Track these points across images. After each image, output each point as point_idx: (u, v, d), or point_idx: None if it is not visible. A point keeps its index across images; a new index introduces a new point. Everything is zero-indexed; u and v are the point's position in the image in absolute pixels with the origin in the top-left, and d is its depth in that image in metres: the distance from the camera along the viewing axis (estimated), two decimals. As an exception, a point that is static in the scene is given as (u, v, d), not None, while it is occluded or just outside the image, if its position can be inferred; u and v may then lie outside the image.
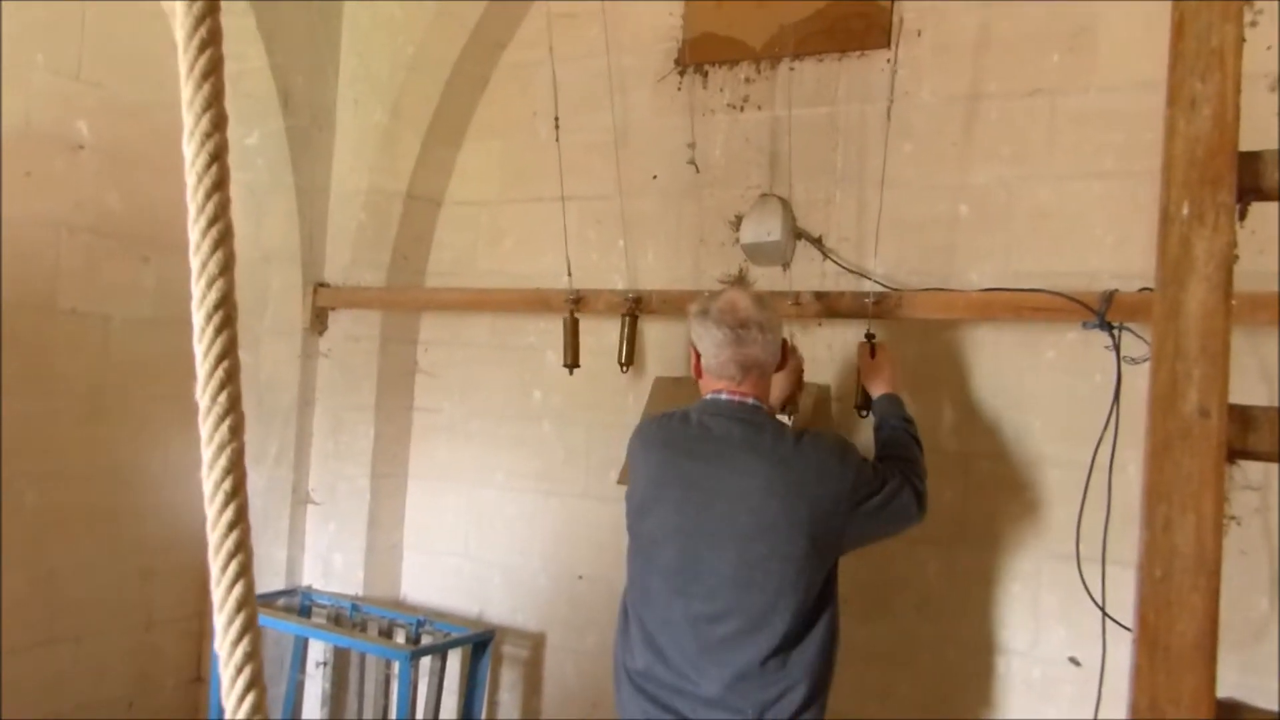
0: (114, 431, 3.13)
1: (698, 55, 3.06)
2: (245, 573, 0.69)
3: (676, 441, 2.17)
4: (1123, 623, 2.34)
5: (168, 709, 3.34)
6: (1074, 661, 2.51)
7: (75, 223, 3.04)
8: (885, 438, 2.33)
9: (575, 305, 3.00)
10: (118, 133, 3.13)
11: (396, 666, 3.07)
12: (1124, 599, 2.35)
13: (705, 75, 3.05)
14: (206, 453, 0.69)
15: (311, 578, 3.52)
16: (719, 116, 3.02)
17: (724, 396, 2.16)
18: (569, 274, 3.05)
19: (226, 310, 0.69)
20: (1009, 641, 2.59)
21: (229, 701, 0.69)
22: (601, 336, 3.07)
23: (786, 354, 2.27)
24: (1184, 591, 0.93)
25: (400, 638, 3.27)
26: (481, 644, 3.18)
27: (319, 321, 3.51)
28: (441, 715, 3.20)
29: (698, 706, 2.06)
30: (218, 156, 0.69)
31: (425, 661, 3.15)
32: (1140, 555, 0.96)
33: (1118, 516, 2.37)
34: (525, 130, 3.36)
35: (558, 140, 3.02)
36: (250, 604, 0.70)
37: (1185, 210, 0.96)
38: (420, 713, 3.16)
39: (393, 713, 3.12)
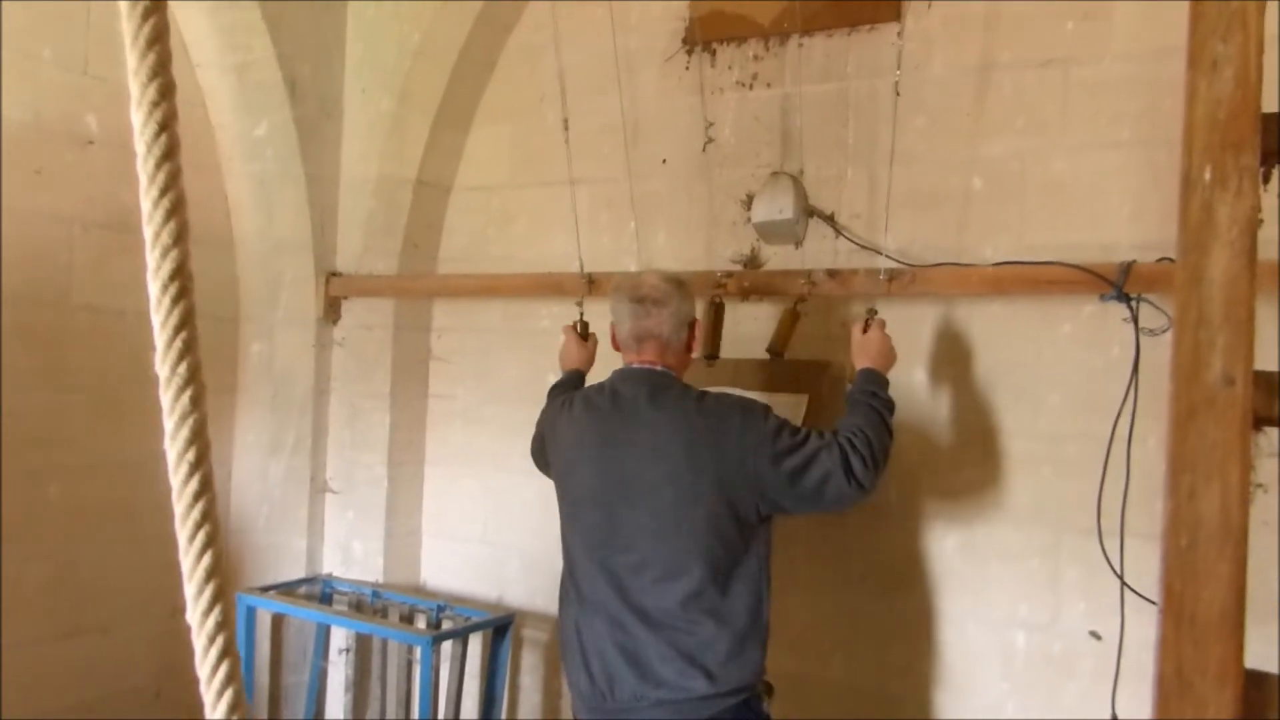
0: (132, 425, 3.15)
1: (706, 33, 3.03)
2: (213, 543, 0.69)
3: (593, 407, 2.33)
4: (1144, 595, 2.33)
5: (194, 698, 3.35)
6: (1095, 635, 2.50)
7: (87, 218, 3.04)
8: (847, 409, 2.30)
9: (588, 289, 2.99)
10: (127, 127, 3.09)
11: (418, 652, 3.09)
12: (1144, 572, 2.34)
13: (713, 54, 3.03)
14: (168, 423, 0.68)
15: (331, 565, 3.54)
16: (728, 95, 3.00)
17: (635, 365, 2.32)
18: (580, 257, 3.04)
19: (182, 281, 0.69)
20: (1029, 616, 2.59)
21: (203, 671, 0.69)
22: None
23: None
24: (1210, 561, 0.92)
25: (421, 623, 3.28)
26: (502, 628, 3.19)
27: (332, 311, 3.51)
28: (464, 699, 3.22)
29: (632, 648, 2.17)
30: (166, 126, 0.68)
31: (447, 646, 3.17)
32: (1165, 525, 0.95)
33: (1137, 489, 2.36)
34: (534, 114, 3.35)
35: (565, 125, 3.00)
36: (219, 573, 0.69)
37: (1207, 175, 0.94)
38: (443, 697, 3.18)
39: (415, 698, 3.14)
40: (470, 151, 3.52)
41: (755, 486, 2.13)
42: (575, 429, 2.35)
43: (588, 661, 2.24)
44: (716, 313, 2.76)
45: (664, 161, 3.11)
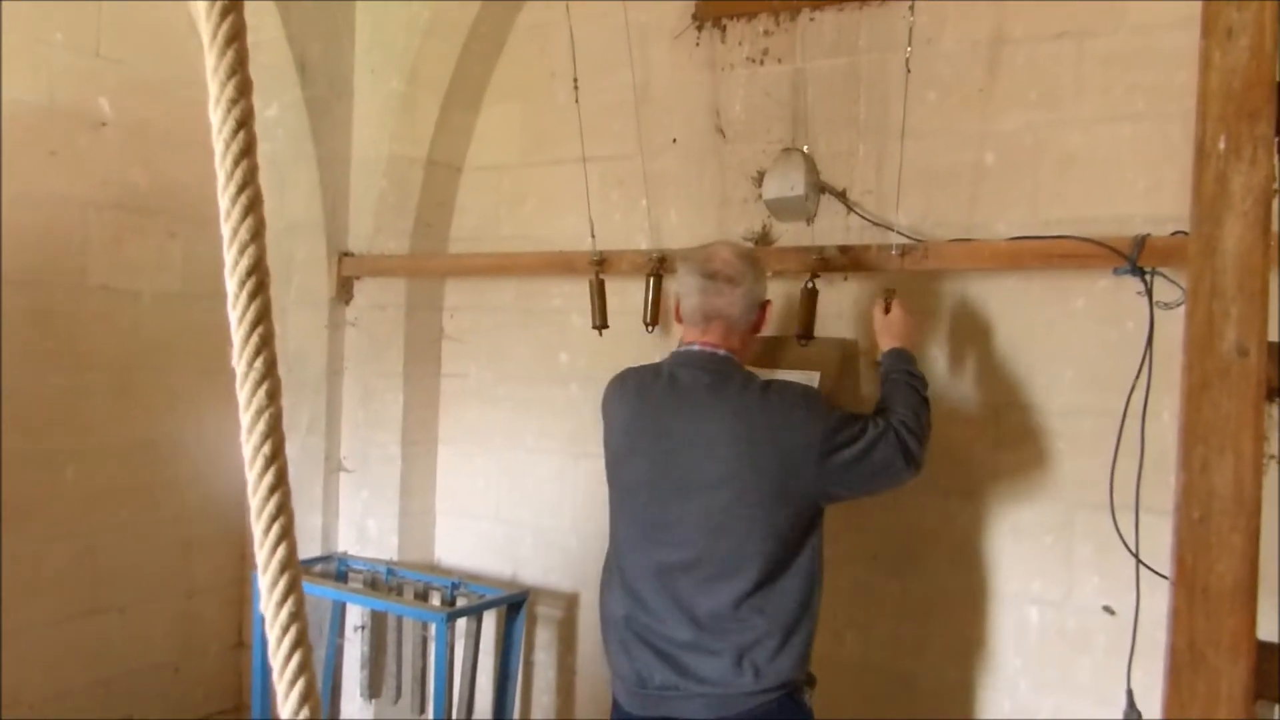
0: (148, 406, 3.17)
1: (715, 9, 3.01)
2: (287, 535, 0.70)
3: (648, 392, 2.22)
4: (1158, 570, 2.33)
5: (211, 674, 3.41)
6: (1108, 611, 2.50)
7: (101, 200, 3.06)
8: (885, 390, 2.30)
9: (600, 267, 3.00)
10: (139, 109, 3.14)
11: (433, 629, 3.11)
12: (1158, 547, 2.33)
13: (723, 29, 3.01)
14: (245, 418, 0.70)
15: (346, 544, 3.57)
16: (738, 71, 2.99)
17: (695, 348, 2.21)
18: (592, 235, 3.04)
19: (259, 276, 0.69)
20: (1042, 592, 2.59)
21: (276, 661, 0.70)
22: (626, 297, 3.07)
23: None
24: (1223, 532, 0.92)
25: (436, 600, 3.31)
26: (516, 605, 3.21)
27: (345, 291, 3.52)
28: (479, 675, 3.24)
29: (675, 650, 2.12)
30: (244, 123, 0.68)
31: (461, 623, 3.19)
32: (1177, 497, 0.95)
33: (1151, 464, 2.35)
34: (544, 92, 3.33)
35: (577, 101, 2.99)
36: (294, 566, 0.71)
37: (1222, 145, 0.94)
38: (458, 673, 3.20)
39: (430, 674, 3.17)
40: (481, 130, 3.51)
41: (816, 481, 2.08)
42: (627, 414, 2.26)
43: (629, 649, 2.18)
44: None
45: (674, 141, 3.10)
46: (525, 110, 3.42)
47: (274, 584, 0.68)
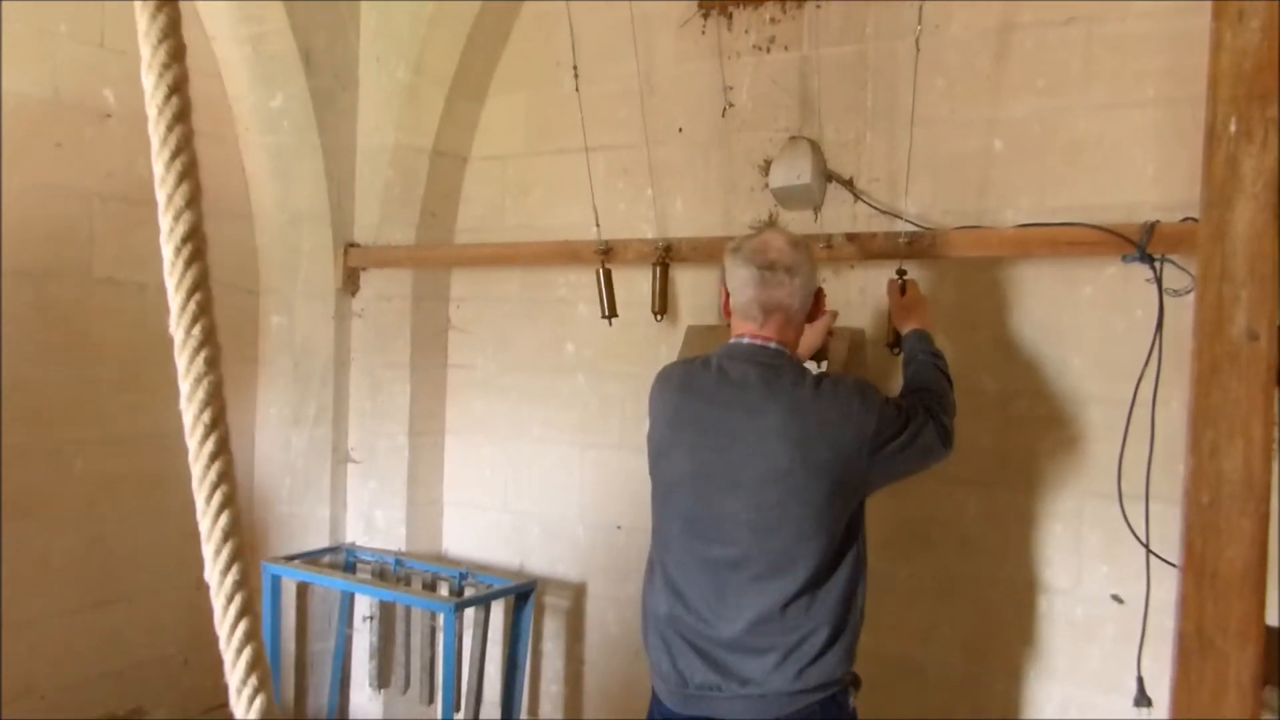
0: (155, 398, 3.17)
1: (721, -3, 3.00)
2: (230, 503, 0.69)
3: (695, 385, 2.15)
4: (1167, 559, 2.32)
5: (221, 665, 3.41)
6: (1117, 599, 2.49)
7: (107, 191, 3.05)
8: (912, 373, 2.30)
9: (605, 256, 2.99)
10: (144, 99, 3.13)
11: (441, 619, 3.12)
12: (1168, 536, 2.33)
13: (730, 17, 3.00)
14: (184, 385, 0.69)
15: (355, 535, 3.57)
16: (745, 59, 2.97)
17: (745, 340, 2.13)
18: (597, 224, 3.03)
19: (195, 243, 0.68)
20: (1051, 580, 2.58)
21: (223, 630, 0.69)
22: (632, 287, 3.06)
23: (820, 304, 2.22)
24: (1232, 517, 0.92)
25: (444, 590, 3.31)
26: (523, 595, 3.22)
27: (351, 282, 3.52)
28: (487, 665, 3.25)
29: (718, 650, 2.06)
30: (177, 89, 0.67)
31: (469, 613, 3.20)
32: (1186, 482, 0.95)
33: (1161, 452, 2.34)
34: (549, 81, 3.32)
35: (577, 90, 2.98)
36: (237, 534, 0.70)
37: (1232, 127, 0.93)
38: (466, 663, 3.21)
39: (439, 664, 3.18)
40: (486, 121, 3.50)
41: (867, 473, 2.05)
42: (672, 407, 2.19)
43: (670, 647, 2.13)
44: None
45: (680, 130, 3.09)
46: (530, 100, 3.41)
47: (217, 553, 0.67)
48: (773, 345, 2.10)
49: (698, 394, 2.13)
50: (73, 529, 3.02)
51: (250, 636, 0.67)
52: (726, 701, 2.06)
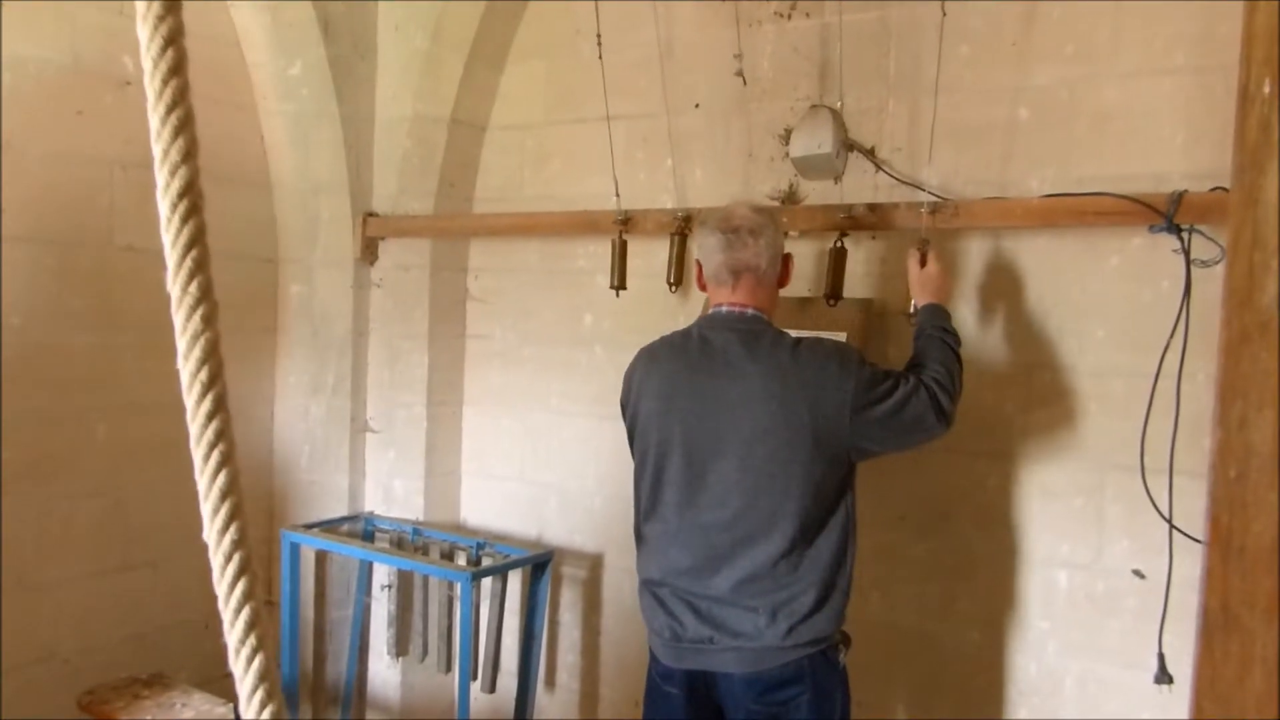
0: (175, 365, 3.19)
1: (743, -38, 2.95)
2: (229, 462, 0.68)
3: (679, 356, 2.23)
4: (1191, 534, 2.29)
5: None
6: (1138, 574, 2.47)
7: (127, 159, 3.05)
8: (919, 346, 2.30)
9: (624, 226, 2.97)
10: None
11: (459, 588, 3.13)
12: (1191, 510, 2.30)
13: (751, -17, 2.95)
14: (181, 342, 0.68)
15: (373, 504, 3.59)
16: (766, 26, 2.93)
17: (724, 309, 2.22)
18: (617, 195, 3.01)
19: (192, 198, 0.67)
20: (1071, 555, 2.56)
21: (221, 588, 0.68)
22: (651, 259, 3.04)
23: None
24: (1260, 491, 0.89)
25: (461, 560, 3.33)
26: (540, 565, 3.23)
27: (369, 251, 3.52)
28: (504, 635, 3.27)
29: (711, 605, 2.15)
30: (172, 40, 0.65)
31: (486, 583, 3.21)
32: (1213, 455, 0.92)
33: (1186, 426, 2.31)
34: (568, 49, 3.29)
35: (600, 58, 2.95)
36: (236, 493, 0.69)
37: (1266, 89, 0.89)
38: (483, 632, 3.23)
39: (456, 632, 3.20)
40: (505, 89, 3.48)
41: (850, 436, 2.09)
42: (657, 379, 2.26)
43: (665, 604, 2.21)
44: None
45: (696, 106, 3.05)
46: (550, 68, 3.38)
47: (215, 511, 0.66)
48: (750, 311, 2.20)
49: (682, 364, 2.22)
50: (95, 494, 3.05)
51: (248, 596, 0.67)
52: (719, 654, 2.14)
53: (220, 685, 3.17)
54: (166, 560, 3.25)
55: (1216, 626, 0.93)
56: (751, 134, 2.96)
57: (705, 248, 2.24)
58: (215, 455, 0.66)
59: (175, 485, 3.22)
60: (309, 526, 3.40)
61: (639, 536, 2.33)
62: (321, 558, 3.53)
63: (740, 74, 2.91)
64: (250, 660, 0.67)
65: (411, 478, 3.53)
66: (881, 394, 2.09)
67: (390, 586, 3.48)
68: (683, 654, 2.19)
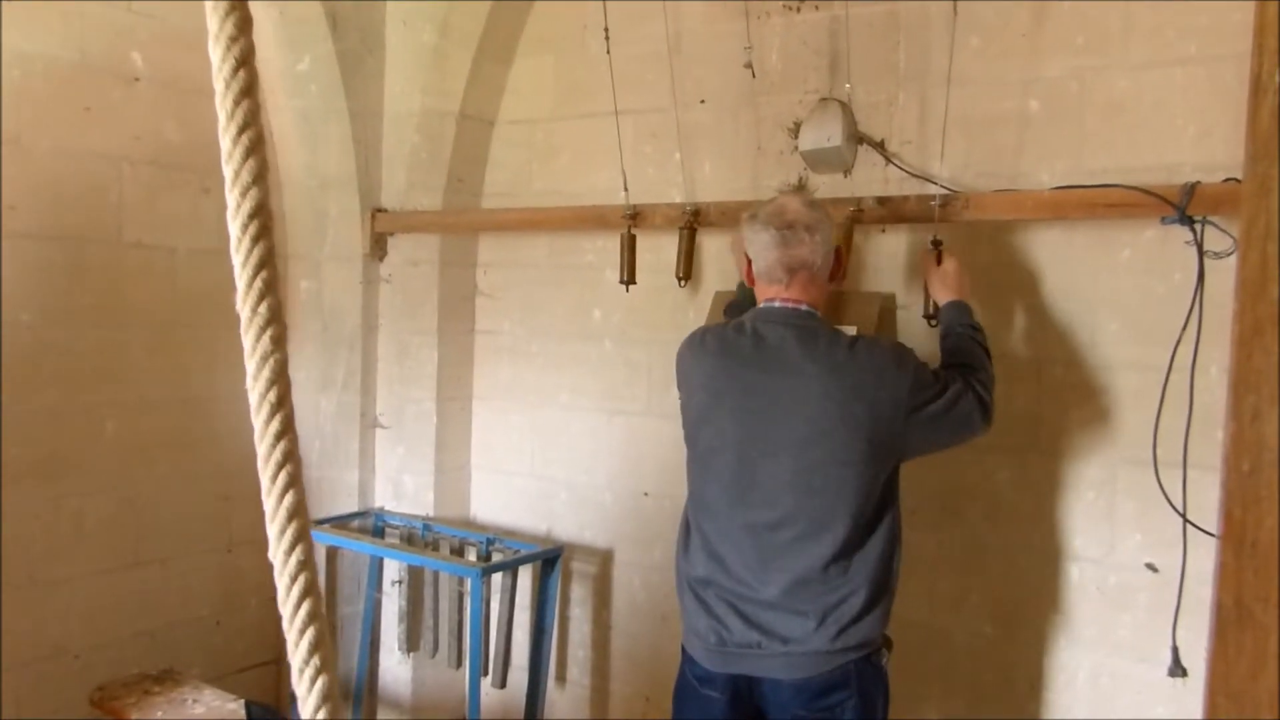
0: (186, 361, 3.20)
1: (751, -45, 2.93)
2: (295, 483, 0.68)
3: (732, 350, 2.17)
4: (1204, 528, 2.28)
5: (252, 626, 3.46)
6: (1151, 568, 2.45)
7: (135, 156, 3.06)
8: (951, 345, 2.29)
9: (633, 221, 2.96)
10: (172, 63, 3.13)
11: (469, 583, 3.14)
12: (1204, 504, 2.29)
13: (759, -25, 2.94)
14: (250, 364, 0.68)
15: (383, 499, 3.59)
16: (774, 19, 2.91)
17: (777, 304, 2.17)
18: (625, 189, 3.00)
19: (262, 220, 0.67)
20: (1083, 548, 2.55)
21: (286, 609, 0.68)
22: (660, 253, 3.03)
23: (840, 262, 2.25)
24: (1273, 485, 0.88)
25: (471, 556, 3.33)
26: (550, 560, 3.22)
27: (378, 247, 3.51)
28: (514, 630, 3.27)
29: (758, 610, 2.10)
30: (244, 61, 0.66)
31: (497, 578, 3.21)
32: (1226, 449, 0.91)
33: (1199, 419, 2.29)
34: (576, 44, 3.28)
35: (608, 52, 2.94)
36: (302, 514, 0.69)
37: (1278, 79, 0.88)
38: (494, 627, 3.23)
39: (467, 628, 3.20)
40: (513, 84, 3.47)
41: (904, 436, 2.07)
42: (708, 372, 2.20)
43: (709, 607, 2.15)
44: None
45: (703, 101, 3.04)
46: (558, 63, 3.37)
47: (281, 532, 0.66)
48: (804, 307, 2.15)
49: (735, 358, 2.16)
50: (105, 490, 3.06)
51: (313, 617, 0.67)
52: (766, 659, 2.10)
53: (231, 681, 3.18)
54: (177, 557, 3.26)
55: (1230, 622, 0.92)
56: (760, 127, 2.95)
57: (757, 243, 2.17)
58: (283, 476, 0.66)
59: (185, 482, 3.23)
60: (320, 522, 3.40)
61: (685, 525, 2.27)
62: (332, 553, 3.54)
63: (749, 67, 2.88)
64: (313, 682, 0.66)
65: (421, 473, 3.53)
66: (933, 394, 2.08)
67: (401, 582, 3.49)
68: (728, 659, 2.14)
